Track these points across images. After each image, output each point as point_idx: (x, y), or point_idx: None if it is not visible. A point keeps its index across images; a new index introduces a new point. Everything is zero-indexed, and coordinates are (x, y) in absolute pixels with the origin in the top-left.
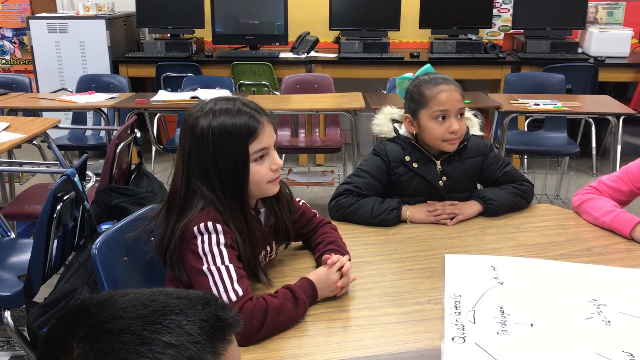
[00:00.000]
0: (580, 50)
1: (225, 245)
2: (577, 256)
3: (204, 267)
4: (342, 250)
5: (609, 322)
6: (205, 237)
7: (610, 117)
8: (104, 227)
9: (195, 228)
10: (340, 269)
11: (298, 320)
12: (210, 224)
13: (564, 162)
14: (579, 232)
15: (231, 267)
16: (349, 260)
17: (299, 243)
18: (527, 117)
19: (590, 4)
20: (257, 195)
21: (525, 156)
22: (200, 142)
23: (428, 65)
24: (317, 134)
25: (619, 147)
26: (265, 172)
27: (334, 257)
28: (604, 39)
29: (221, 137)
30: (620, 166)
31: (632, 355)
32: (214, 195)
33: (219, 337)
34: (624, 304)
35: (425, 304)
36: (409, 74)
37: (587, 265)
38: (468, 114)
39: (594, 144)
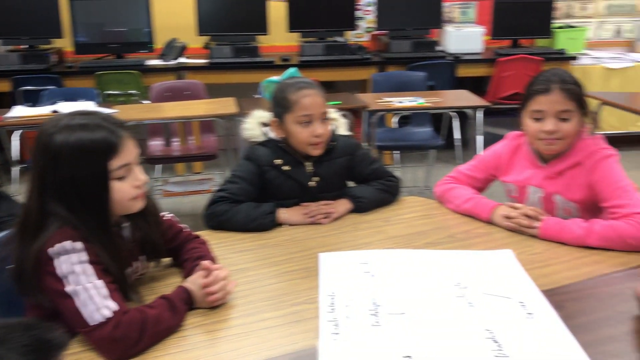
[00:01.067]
0: (439, 48)
1: (90, 262)
2: (441, 243)
3: (68, 289)
4: None
5: (472, 303)
6: (64, 257)
7: (468, 110)
8: None
9: (50, 250)
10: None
11: (177, 328)
12: (68, 243)
13: (430, 155)
14: (442, 221)
15: (99, 283)
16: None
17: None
18: (395, 114)
19: (446, 4)
20: (120, 213)
21: (397, 151)
22: (56, 161)
23: (293, 69)
24: (192, 141)
25: (479, 138)
26: (127, 189)
27: (210, 266)
28: (459, 37)
29: (79, 155)
30: None
31: (491, 332)
32: (73, 215)
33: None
34: (486, 285)
35: (302, 305)
36: (275, 77)
37: (451, 251)
38: (335, 114)
39: (457, 136)
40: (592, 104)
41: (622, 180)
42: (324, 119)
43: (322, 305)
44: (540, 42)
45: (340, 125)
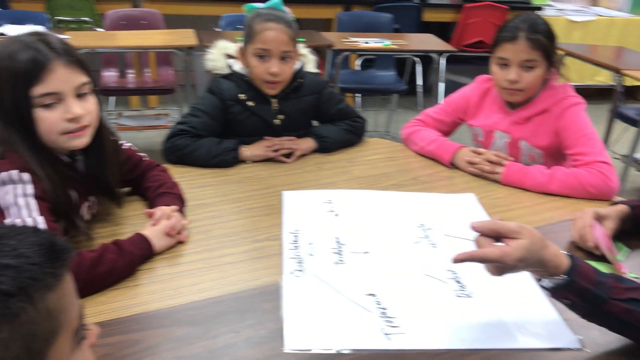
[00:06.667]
0: None
1: (35, 197)
2: (405, 185)
3: (7, 222)
4: (171, 192)
5: (435, 244)
6: (9, 187)
7: (433, 55)
8: None
9: None
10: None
11: (125, 271)
12: (15, 172)
13: (393, 100)
14: (406, 163)
15: (40, 220)
16: (183, 204)
17: (128, 189)
18: (359, 56)
19: None
20: (53, 146)
21: (359, 94)
22: None
23: (278, 0)
24: (148, 74)
25: (441, 85)
26: (55, 120)
27: (157, 212)
28: None
29: (0, 76)
30: None
31: (454, 272)
32: (11, 138)
33: (57, 260)
34: (447, 227)
35: (264, 241)
36: (257, 4)
37: (414, 193)
38: (303, 50)
39: (419, 82)
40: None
41: (587, 128)
42: (284, 57)
43: (285, 242)
44: None
45: (309, 62)
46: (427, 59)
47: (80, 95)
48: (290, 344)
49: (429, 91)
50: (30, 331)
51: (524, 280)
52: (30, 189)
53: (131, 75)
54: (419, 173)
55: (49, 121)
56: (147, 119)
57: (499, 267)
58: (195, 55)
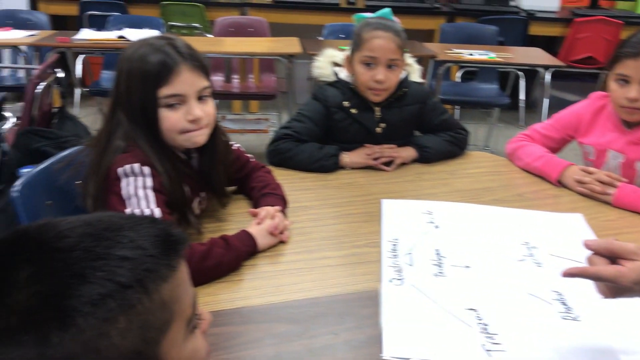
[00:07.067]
0: (512, 3)
1: (153, 189)
2: (509, 201)
3: (127, 211)
4: (275, 193)
5: (540, 263)
6: (131, 179)
7: (540, 69)
8: (24, 171)
9: (119, 170)
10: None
11: (231, 266)
12: (137, 165)
13: (494, 114)
14: (511, 179)
15: (157, 211)
16: (285, 205)
17: (234, 187)
18: (460, 68)
19: None
20: (173, 143)
21: (458, 107)
22: (119, 81)
23: (387, 10)
24: (252, 80)
25: (545, 100)
26: (177, 120)
27: (261, 212)
28: None
29: (130, 78)
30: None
31: (560, 294)
32: (135, 133)
33: (172, 251)
34: (553, 247)
35: (363, 247)
36: (366, 14)
37: (519, 210)
38: (410, 60)
39: (522, 96)
40: None
41: None
42: (390, 65)
43: (384, 250)
44: (622, 5)
45: (414, 71)
46: (530, 73)
47: (200, 98)
48: (389, 351)
49: (531, 106)
50: (146, 321)
51: (638, 307)
52: (149, 181)
53: (236, 80)
54: (524, 190)
55: (171, 120)
56: (248, 123)
57: (612, 288)
58: (297, 62)
